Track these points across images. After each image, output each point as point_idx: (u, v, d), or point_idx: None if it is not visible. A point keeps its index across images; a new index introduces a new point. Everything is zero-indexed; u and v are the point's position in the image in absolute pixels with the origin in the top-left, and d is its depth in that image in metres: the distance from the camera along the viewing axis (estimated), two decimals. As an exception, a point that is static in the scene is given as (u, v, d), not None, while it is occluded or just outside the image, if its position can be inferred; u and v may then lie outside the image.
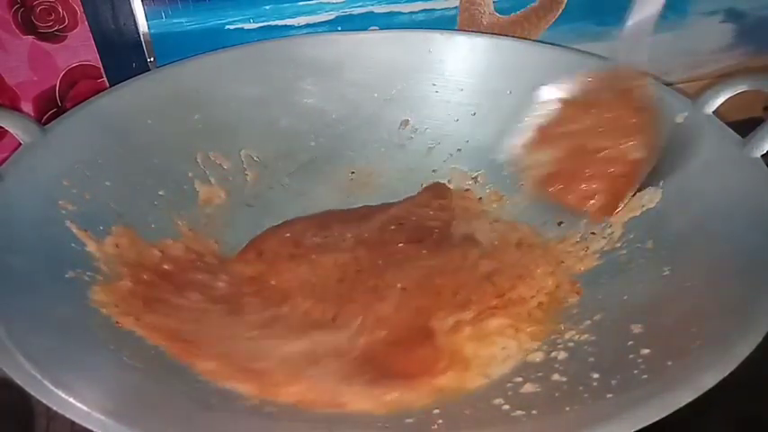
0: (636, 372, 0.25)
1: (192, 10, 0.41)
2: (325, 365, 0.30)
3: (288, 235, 0.38)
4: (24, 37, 0.39)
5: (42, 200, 0.32)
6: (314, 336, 0.31)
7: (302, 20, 0.43)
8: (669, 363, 0.25)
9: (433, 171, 0.42)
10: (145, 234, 0.35)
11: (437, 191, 0.41)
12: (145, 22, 0.40)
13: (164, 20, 0.41)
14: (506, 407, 0.26)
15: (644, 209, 0.34)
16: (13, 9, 0.38)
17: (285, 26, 0.43)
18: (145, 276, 0.32)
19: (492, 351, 0.30)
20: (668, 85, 0.36)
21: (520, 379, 0.28)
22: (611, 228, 0.35)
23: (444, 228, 0.38)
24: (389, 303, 0.33)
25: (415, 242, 0.37)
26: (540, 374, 0.28)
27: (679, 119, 0.35)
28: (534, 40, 0.46)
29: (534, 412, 0.25)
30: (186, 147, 0.39)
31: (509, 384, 0.28)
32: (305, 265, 0.35)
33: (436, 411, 0.27)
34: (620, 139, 0.33)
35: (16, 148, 0.33)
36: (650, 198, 0.34)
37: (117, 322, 0.29)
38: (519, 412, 0.26)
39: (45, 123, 0.35)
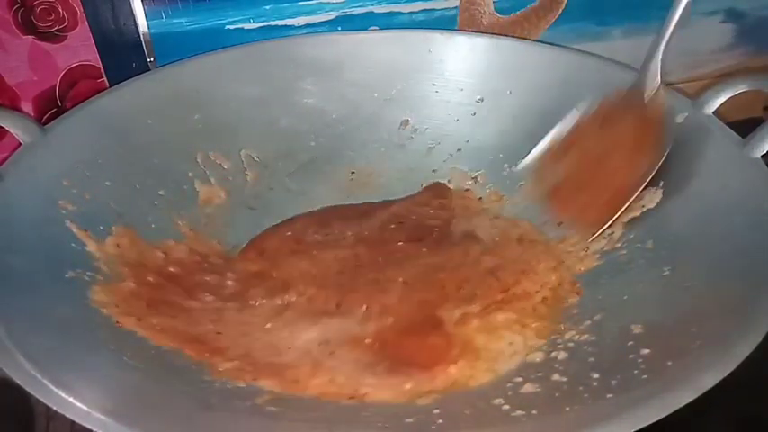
0: (636, 372, 0.25)
1: (192, 10, 0.41)
2: (342, 355, 0.30)
3: (289, 233, 0.38)
4: (24, 37, 0.39)
5: (42, 200, 0.32)
6: (325, 322, 0.31)
7: (302, 20, 0.43)
8: (669, 363, 0.25)
9: (433, 171, 0.42)
10: (145, 234, 0.35)
11: (437, 191, 0.41)
12: (145, 22, 0.40)
13: (164, 20, 0.41)
14: (506, 407, 0.26)
15: (644, 209, 0.34)
16: (13, 9, 0.38)
17: (285, 26, 0.43)
18: (150, 278, 0.32)
19: (500, 346, 0.30)
20: (668, 85, 0.36)
21: (520, 379, 0.28)
22: (612, 228, 0.35)
23: (444, 226, 0.38)
24: (392, 295, 0.33)
25: (415, 241, 0.37)
26: (540, 374, 0.28)
27: (679, 119, 0.35)
28: (534, 40, 0.46)
29: (534, 412, 0.25)
30: (186, 147, 0.39)
31: (509, 384, 0.28)
32: (306, 260, 0.35)
33: (436, 411, 0.27)
34: (632, 156, 0.33)
35: (16, 148, 0.33)
36: (650, 198, 0.34)
37: (117, 322, 0.29)
38: (519, 412, 0.25)
39: (45, 123, 0.35)
